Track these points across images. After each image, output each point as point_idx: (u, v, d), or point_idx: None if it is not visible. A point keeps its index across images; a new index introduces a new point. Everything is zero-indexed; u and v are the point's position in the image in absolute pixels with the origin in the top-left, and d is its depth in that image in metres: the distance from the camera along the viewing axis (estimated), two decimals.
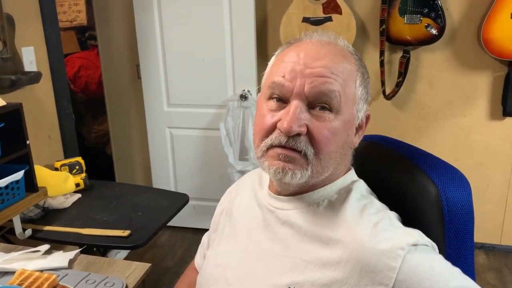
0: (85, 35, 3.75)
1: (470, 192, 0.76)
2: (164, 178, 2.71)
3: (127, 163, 2.95)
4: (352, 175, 0.80)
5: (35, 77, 1.77)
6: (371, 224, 0.69)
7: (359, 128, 0.77)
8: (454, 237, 0.74)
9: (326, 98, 0.70)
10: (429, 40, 2.20)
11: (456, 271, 0.66)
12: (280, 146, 0.71)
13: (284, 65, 0.73)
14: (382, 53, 2.30)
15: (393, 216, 0.73)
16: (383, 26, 2.24)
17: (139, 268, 1.15)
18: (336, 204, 0.75)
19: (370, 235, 0.67)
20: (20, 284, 0.97)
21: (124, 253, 2.34)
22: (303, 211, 0.76)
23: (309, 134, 0.70)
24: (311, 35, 0.77)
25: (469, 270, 0.76)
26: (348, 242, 0.68)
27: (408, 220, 0.74)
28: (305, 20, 2.26)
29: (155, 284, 2.24)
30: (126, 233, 1.42)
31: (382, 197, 0.79)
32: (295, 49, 0.74)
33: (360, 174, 0.82)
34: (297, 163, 0.71)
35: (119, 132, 2.91)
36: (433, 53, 2.30)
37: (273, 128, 0.72)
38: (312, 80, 0.70)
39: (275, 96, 0.73)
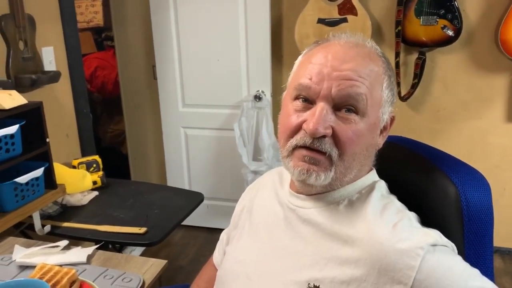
0: (102, 36, 3.81)
1: (490, 193, 0.75)
2: (179, 178, 2.73)
3: (142, 162, 2.99)
4: (373, 175, 0.81)
5: (54, 77, 1.80)
6: (391, 224, 0.70)
7: (383, 129, 0.78)
8: (473, 238, 0.74)
9: (352, 101, 0.70)
10: (446, 41, 2.18)
11: (475, 272, 0.66)
12: (305, 147, 0.72)
13: (311, 67, 0.73)
14: (397, 55, 2.29)
15: (412, 216, 0.73)
16: (399, 28, 2.23)
17: (156, 265, 1.17)
18: (356, 203, 0.75)
19: (389, 235, 0.68)
20: (41, 278, 0.99)
21: (138, 251, 2.37)
22: (323, 209, 0.77)
23: (334, 136, 0.71)
24: (339, 36, 0.77)
25: (488, 271, 0.75)
26: (367, 241, 0.69)
27: (427, 221, 0.74)
28: (320, 21, 2.26)
29: (168, 283, 2.26)
30: (142, 230, 1.43)
31: (401, 198, 0.79)
32: (323, 50, 0.74)
33: (379, 174, 0.82)
34: (322, 165, 0.72)
35: (135, 132, 2.94)
36: (449, 54, 2.28)
37: (298, 128, 0.73)
38: (339, 83, 0.70)
39: (301, 96, 0.74)
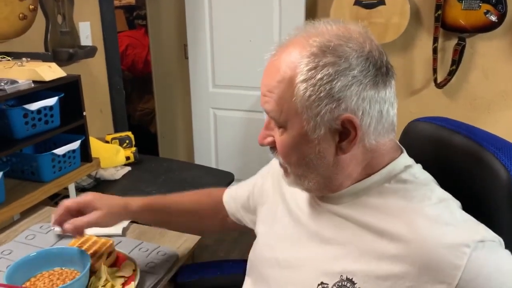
0: (133, 15, 3.83)
1: None
2: (206, 158, 2.75)
3: (170, 141, 3.01)
4: (404, 159, 0.73)
5: (90, 52, 1.82)
6: (431, 217, 0.65)
7: (342, 133, 0.66)
8: None
9: (270, 116, 0.70)
10: (488, 27, 2.09)
11: None
12: None
13: None
14: (435, 40, 2.21)
15: (456, 206, 0.68)
16: (439, 12, 2.15)
17: (189, 240, 1.17)
18: (389, 193, 0.70)
19: (431, 229, 0.63)
20: (79, 246, 1.01)
21: None
22: (353, 203, 0.72)
23: None
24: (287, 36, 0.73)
25: None
26: (406, 236, 0.64)
27: (473, 208, 0.70)
28: (357, 3, 2.20)
29: (194, 260, 2.28)
30: None
31: (445, 183, 0.74)
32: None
33: (420, 158, 0.77)
34: (283, 171, 0.75)
35: (164, 111, 2.96)
36: (490, 41, 2.20)
37: None
38: (261, 99, 0.71)
39: None
